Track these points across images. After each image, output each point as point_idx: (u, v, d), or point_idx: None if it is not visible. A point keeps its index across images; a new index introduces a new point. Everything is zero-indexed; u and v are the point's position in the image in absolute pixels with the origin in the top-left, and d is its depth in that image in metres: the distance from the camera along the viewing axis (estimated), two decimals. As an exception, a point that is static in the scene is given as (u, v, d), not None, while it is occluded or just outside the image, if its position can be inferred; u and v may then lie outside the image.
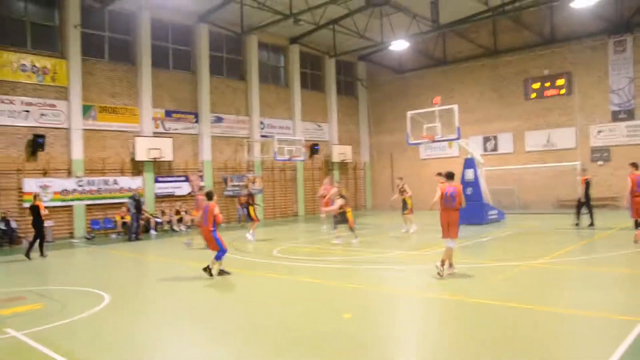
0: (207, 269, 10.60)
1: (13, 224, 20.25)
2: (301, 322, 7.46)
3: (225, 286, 10.42)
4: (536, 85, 28.43)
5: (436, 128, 18.92)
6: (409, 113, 20.51)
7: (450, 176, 10.50)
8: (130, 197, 20.94)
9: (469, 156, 21.29)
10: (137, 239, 20.31)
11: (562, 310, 7.23)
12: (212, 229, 10.61)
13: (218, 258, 10.72)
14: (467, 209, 20.32)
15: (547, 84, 28.13)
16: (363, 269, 11.58)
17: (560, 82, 27.74)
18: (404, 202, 18.29)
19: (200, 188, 21.28)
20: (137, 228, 20.53)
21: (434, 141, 19.47)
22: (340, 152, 32.90)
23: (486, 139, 30.33)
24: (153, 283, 11.26)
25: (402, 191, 18.42)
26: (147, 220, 22.66)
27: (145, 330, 7.43)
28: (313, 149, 31.50)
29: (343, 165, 33.77)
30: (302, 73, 31.71)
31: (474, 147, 22.46)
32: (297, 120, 30.98)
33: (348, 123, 34.79)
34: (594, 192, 25.58)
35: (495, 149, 30.05)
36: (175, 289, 10.04)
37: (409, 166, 32.05)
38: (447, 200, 10.09)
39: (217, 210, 10.81)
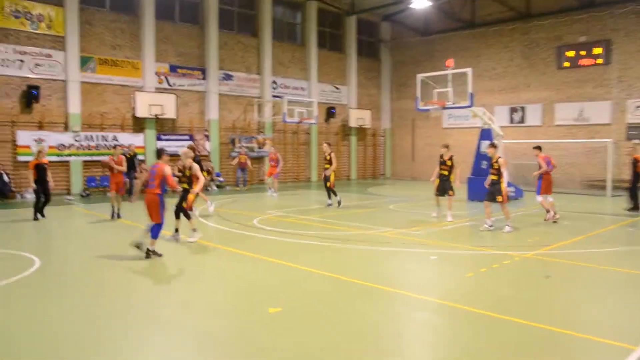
0: (148, 252, 9.10)
1: (5, 178, 19.60)
2: (213, 313, 6.30)
3: (169, 264, 9.33)
4: (570, 53, 26.14)
5: (448, 93, 17.24)
6: (420, 76, 18.81)
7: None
8: (122, 154, 19.92)
9: (485, 126, 19.55)
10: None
11: (529, 322, 5.88)
12: (159, 192, 9.23)
13: (154, 236, 9.18)
14: (480, 185, 18.95)
15: (583, 52, 25.81)
16: (335, 247, 10.33)
17: (598, 50, 25.39)
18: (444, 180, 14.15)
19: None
20: (130, 188, 19.61)
21: (444, 107, 17.80)
22: (359, 117, 31.33)
23: (513, 110, 28.29)
24: (98, 251, 10.14)
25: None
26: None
27: (49, 309, 6.33)
28: (329, 113, 30.03)
29: (361, 130, 32.23)
30: (320, 32, 29.99)
31: (491, 116, 20.55)
32: (312, 81, 29.44)
33: (368, 86, 33.06)
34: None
35: (522, 120, 28.02)
36: (117, 262, 8.98)
37: (431, 135, 30.33)
38: None
39: (168, 171, 9.26)
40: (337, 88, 31.16)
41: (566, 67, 26.26)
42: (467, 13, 29.49)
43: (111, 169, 14.70)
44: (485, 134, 19.45)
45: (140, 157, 21.86)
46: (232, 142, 25.93)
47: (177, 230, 11.07)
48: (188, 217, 11.01)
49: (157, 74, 23.61)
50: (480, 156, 19.50)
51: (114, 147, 17.36)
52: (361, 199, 20.60)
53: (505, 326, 5.81)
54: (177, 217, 11.09)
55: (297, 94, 28.42)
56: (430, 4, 25.09)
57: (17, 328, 5.72)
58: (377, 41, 33.69)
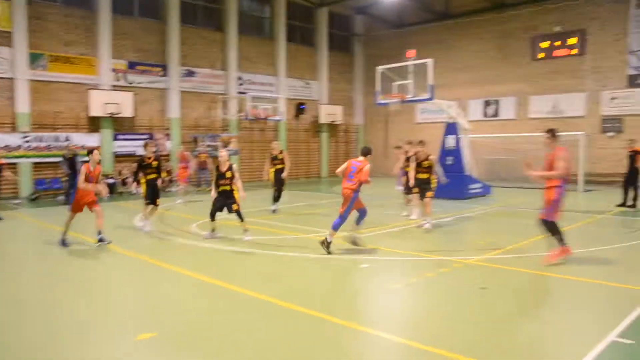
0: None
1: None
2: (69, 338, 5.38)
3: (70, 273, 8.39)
4: (545, 44, 25.34)
5: (408, 86, 16.36)
6: (379, 68, 17.92)
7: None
8: (61, 156, 18.90)
9: (450, 120, 18.69)
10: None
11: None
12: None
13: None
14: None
15: (558, 43, 25.01)
16: (261, 254, 9.42)
17: (573, 40, 24.60)
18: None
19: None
20: (70, 190, 18.53)
21: (404, 101, 16.92)
22: (330, 113, 30.39)
23: (487, 103, 27.53)
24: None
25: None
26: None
27: None
28: (299, 109, 29.09)
29: (333, 127, 31.29)
30: (290, 25, 29.04)
31: (459, 110, 19.66)
32: (281, 77, 28.47)
33: (341, 82, 32.13)
34: (603, 167, 23.17)
35: (496, 114, 27.26)
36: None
37: (404, 130, 29.43)
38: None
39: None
40: (308, 83, 30.24)
41: (541, 59, 25.47)
42: (441, 4, 28.63)
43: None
44: (451, 128, 18.63)
45: (84, 159, 20.76)
46: (195, 140, 24.93)
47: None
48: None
49: (114, 70, 22.58)
50: (445, 152, 18.68)
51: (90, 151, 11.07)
52: (322, 198, 19.69)
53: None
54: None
55: (265, 90, 27.47)
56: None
57: None
58: (349, 35, 32.78)
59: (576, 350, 4.95)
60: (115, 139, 22.56)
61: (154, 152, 12.31)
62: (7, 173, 14.17)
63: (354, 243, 9.57)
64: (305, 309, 6.22)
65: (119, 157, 22.54)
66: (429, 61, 16.48)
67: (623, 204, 15.69)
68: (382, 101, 17.91)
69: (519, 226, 12.59)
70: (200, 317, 6.08)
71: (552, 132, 8.49)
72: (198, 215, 13.99)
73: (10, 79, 19.98)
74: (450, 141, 18.44)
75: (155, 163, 12.01)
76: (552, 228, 8.31)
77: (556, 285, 7.44)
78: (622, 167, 16.19)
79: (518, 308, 6.44)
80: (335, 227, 9.31)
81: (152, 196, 11.89)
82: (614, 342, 5.08)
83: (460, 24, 28.08)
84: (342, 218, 9.49)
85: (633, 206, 15.48)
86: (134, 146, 22.94)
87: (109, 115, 21.69)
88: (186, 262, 8.87)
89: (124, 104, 22.17)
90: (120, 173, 22.13)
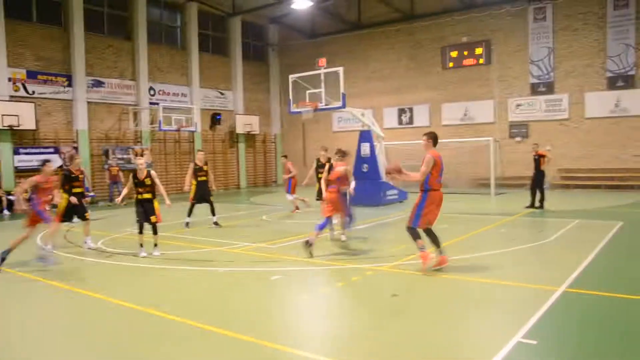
0: None
1: None
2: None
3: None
4: (454, 54, 26.18)
5: (321, 94, 16.31)
6: (292, 77, 17.80)
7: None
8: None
9: (365, 128, 18.82)
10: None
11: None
12: None
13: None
14: (362, 188, 18.07)
15: (466, 53, 25.90)
16: (168, 270, 8.94)
17: (479, 50, 25.57)
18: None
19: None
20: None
21: (316, 109, 16.87)
22: (246, 123, 29.95)
23: (401, 111, 28.11)
24: None
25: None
26: (-2, 199, 19.35)
27: None
28: (214, 119, 28.47)
29: (250, 137, 30.87)
30: (202, 34, 28.47)
31: (372, 118, 19.86)
32: (194, 87, 27.76)
33: (256, 91, 31.81)
34: (514, 171, 24.12)
35: (410, 121, 27.86)
36: None
37: (321, 138, 29.48)
38: None
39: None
40: (222, 93, 29.71)
41: (451, 67, 26.27)
42: (353, 15, 29.04)
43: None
44: (365, 135, 18.75)
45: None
46: (106, 153, 23.78)
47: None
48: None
49: (12, 79, 21.16)
50: (360, 159, 18.77)
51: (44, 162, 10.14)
52: (238, 210, 19.20)
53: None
54: None
55: (178, 100, 26.75)
56: (311, 4, 24.25)
57: None
58: (264, 44, 32.58)
59: (483, 353, 4.89)
60: (16, 152, 21.10)
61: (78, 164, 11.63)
62: None
63: (309, 246, 9.44)
64: (210, 326, 5.84)
65: (21, 172, 21.03)
66: (340, 69, 16.53)
67: (531, 206, 16.30)
68: (296, 110, 17.75)
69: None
70: (84, 341, 5.57)
71: (427, 135, 8.48)
72: (110, 229, 13.21)
73: None
74: (365, 148, 18.55)
75: (82, 176, 11.44)
76: (412, 234, 8.32)
77: (466, 287, 7.45)
78: (530, 171, 16.83)
79: (425, 313, 6.36)
80: (322, 228, 9.86)
81: (81, 211, 11.15)
82: (519, 343, 5.06)
83: (373, 34, 28.56)
84: (351, 216, 10.52)
85: (541, 207, 16.11)
86: (38, 160, 21.50)
87: (7, 127, 20.26)
88: (86, 281, 8.24)
89: (24, 116, 20.80)
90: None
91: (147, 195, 10.16)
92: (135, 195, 10.31)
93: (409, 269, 8.49)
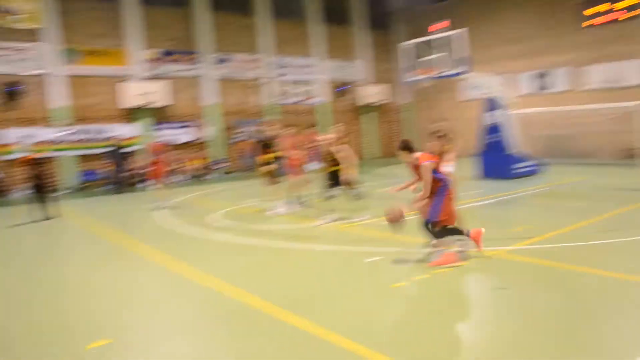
0: None
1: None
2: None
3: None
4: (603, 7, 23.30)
5: (439, 60, 15.23)
6: (404, 44, 16.80)
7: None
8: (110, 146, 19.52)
9: (489, 96, 17.36)
10: (118, 191, 18.88)
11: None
12: None
13: None
14: (488, 162, 16.97)
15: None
16: (272, 247, 8.84)
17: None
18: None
19: None
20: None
21: (434, 77, 15.79)
22: (371, 93, 29.38)
23: (538, 75, 25.77)
24: None
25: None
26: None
27: None
28: (342, 90, 28.23)
29: (374, 107, 30.24)
30: (325, 4, 28.09)
31: (497, 84, 18.12)
32: (319, 59, 27.66)
33: (381, 60, 30.96)
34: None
35: (547, 86, 25.49)
36: None
37: (447, 109, 28.10)
38: None
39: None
40: (347, 64, 29.31)
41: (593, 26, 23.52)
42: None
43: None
44: (491, 104, 17.32)
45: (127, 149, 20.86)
46: (236, 127, 24.65)
47: None
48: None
49: (147, 60, 22.48)
50: (487, 129, 17.46)
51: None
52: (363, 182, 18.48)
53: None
54: None
55: (303, 72, 26.84)
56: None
57: None
58: (388, 11, 31.47)
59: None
60: (157, 128, 22.58)
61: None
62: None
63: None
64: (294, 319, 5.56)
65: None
66: (457, 32, 15.20)
67: None
68: (410, 79, 16.79)
69: (561, 210, 11.46)
70: (163, 321, 5.54)
71: (399, 147, 7.51)
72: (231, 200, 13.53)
73: (43, 74, 20.14)
74: (491, 118, 17.20)
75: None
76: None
77: (601, 284, 6.42)
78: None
79: (529, 314, 5.53)
80: None
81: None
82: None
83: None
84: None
85: None
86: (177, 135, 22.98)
87: (144, 105, 21.60)
88: (189, 257, 8.37)
89: (160, 94, 22.06)
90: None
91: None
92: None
93: (527, 255, 7.54)
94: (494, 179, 16.31)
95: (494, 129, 17.38)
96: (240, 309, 5.87)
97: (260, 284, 6.80)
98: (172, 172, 19.58)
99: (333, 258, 8.19)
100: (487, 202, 12.83)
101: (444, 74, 15.73)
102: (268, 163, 12.12)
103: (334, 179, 10.77)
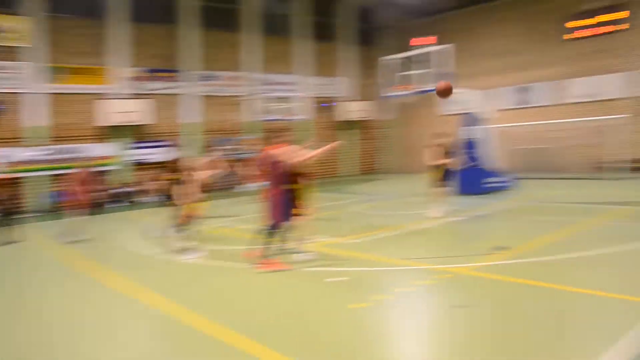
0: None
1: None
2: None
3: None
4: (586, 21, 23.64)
5: (414, 76, 15.34)
6: (383, 59, 16.91)
7: None
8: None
9: (466, 111, 17.48)
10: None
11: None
12: None
13: None
14: (464, 177, 17.01)
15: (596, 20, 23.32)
16: (223, 268, 8.77)
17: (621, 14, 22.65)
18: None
19: None
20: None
21: (414, 92, 15.86)
22: (356, 109, 29.50)
23: (518, 90, 25.96)
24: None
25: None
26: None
27: None
28: (325, 106, 28.35)
29: (359, 123, 30.33)
30: (310, 21, 28.23)
31: (474, 99, 18.24)
32: (301, 75, 27.79)
33: (367, 77, 31.06)
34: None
35: (528, 101, 25.69)
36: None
37: (427, 124, 28.19)
38: None
39: None
40: (331, 80, 29.44)
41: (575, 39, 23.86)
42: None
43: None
44: (468, 119, 17.46)
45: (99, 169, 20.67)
46: (215, 145, 24.52)
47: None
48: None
49: (128, 78, 22.42)
50: (463, 144, 17.57)
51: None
52: (332, 200, 18.41)
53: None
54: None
55: (285, 89, 26.95)
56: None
57: None
58: (376, 28, 31.68)
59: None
60: (135, 147, 22.54)
61: None
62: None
63: None
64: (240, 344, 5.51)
65: (138, 166, 22.41)
66: (444, 48, 15.33)
67: None
68: (387, 94, 16.88)
69: (529, 224, 11.54)
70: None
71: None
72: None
73: (22, 93, 20.03)
74: (466, 133, 17.32)
75: None
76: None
77: (551, 297, 6.44)
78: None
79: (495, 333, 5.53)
80: None
81: None
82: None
83: (483, 9, 26.84)
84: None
85: None
86: (154, 154, 22.85)
87: (124, 124, 21.52)
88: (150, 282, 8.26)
89: (141, 112, 22.01)
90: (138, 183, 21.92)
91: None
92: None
93: (494, 273, 7.55)
94: (466, 195, 16.26)
95: (470, 144, 17.50)
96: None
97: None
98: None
99: (289, 279, 8.13)
100: (457, 218, 12.79)
101: (424, 89, 15.75)
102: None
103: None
